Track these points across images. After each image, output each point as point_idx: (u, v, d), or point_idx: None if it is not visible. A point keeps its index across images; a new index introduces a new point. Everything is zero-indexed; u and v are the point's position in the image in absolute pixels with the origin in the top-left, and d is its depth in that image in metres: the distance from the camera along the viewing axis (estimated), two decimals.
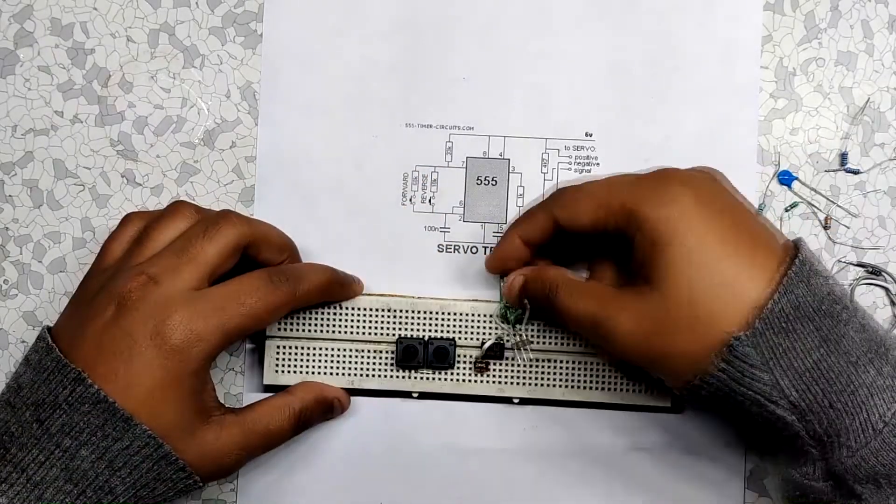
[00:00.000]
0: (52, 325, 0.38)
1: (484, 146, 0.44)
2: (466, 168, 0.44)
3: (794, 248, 0.36)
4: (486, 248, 0.44)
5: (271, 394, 0.41)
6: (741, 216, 0.37)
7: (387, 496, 0.43)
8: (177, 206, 0.40)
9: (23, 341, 0.44)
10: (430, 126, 0.44)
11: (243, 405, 0.41)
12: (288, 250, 0.41)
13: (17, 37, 0.44)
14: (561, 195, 0.39)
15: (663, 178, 0.37)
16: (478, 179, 0.44)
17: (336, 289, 0.42)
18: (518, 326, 0.42)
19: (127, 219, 0.41)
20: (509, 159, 0.44)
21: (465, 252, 0.44)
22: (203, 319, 0.36)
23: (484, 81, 0.44)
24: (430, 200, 0.44)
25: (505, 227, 0.44)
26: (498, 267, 0.42)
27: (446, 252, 0.44)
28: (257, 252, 0.40)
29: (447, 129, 0.44)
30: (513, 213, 0.44)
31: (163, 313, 0.35)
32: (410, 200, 0.44)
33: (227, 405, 0.40)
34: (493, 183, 0.44)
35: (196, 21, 0.45)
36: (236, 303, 0.37)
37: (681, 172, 0.38)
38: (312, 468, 0.43)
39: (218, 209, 0.44)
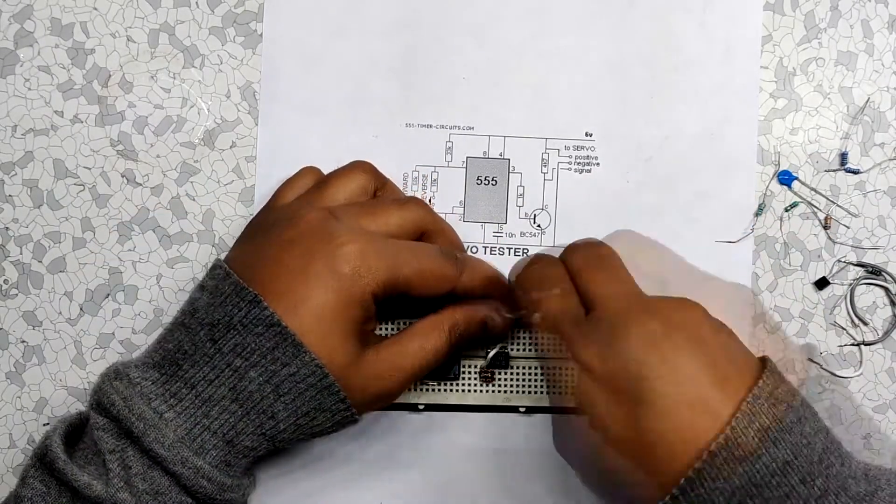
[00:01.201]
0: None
1: (484, 146, 0.44)
2: (466, 168, 0.44)
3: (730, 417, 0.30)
4: (486, 247, 0.44)
5: None
6: (709, 352, 0.32)
7: (387, 496, 0.43)
8: (357, 163, 0.41)
9: (23, 341, 0.44)
10: (430, 126, 0.44)
11: None
12: (461, 250, 0.42)
13: (17, 37, 0.44)
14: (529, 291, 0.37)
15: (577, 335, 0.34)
16: (478, 179, 0.44)
17: (499, 288, 0.41)
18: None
19: (304, 170, 0.42)
20: (509, 159, 0.44)
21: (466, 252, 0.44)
22: (376, 255, 0.36)
23: (484, 81, 0.44)
24: (430, 200, 0.44)
25: (506, 227, 0.44)
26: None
27: None
28: (432, 241, 0.40)
29: (447, 129, 0.44)
30: (513, 213, 0.44)
31: (340, 240, 0.36)
32: None
33: None
34: (493, 183, 0.44)
35: (196, 21, 0.45)
36: (410, 254, 0.37)
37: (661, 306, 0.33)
38: (314, 470, 0.43)
39: (219, 209, 0.44)
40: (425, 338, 0.39)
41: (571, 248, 0.37)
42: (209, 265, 0.40)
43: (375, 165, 0.42)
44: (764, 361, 0.33)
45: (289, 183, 0.42)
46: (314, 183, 0.41)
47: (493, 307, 0.40)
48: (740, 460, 0.29)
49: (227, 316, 0.35)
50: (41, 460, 0.35)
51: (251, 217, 0.42)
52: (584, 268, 0.36)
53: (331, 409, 0.36)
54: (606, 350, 0.32)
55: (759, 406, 0.30)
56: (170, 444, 0.34)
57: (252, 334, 0.35)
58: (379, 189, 0.41)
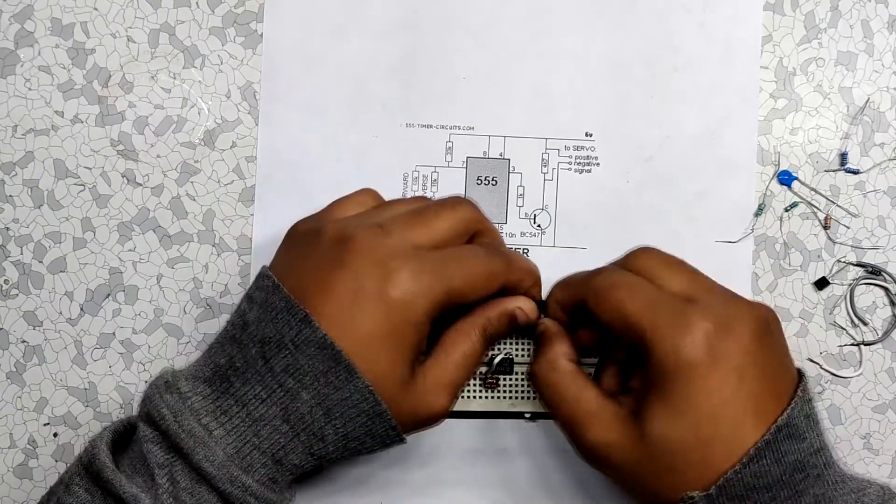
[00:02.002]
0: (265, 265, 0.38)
1: (484, 146, 0.44)
2: (466, 168, 0.44)
3: (787, 401, 0.35)
4: None
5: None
6: (760, 366, 0.35)
7: (387, 496, 0.43)
8: (413, 198, 0.41)
9: (23, 341, 0.44)
10: (430, 126, 0.44)
11: None
12: (503, 246, 0.41)
13: (17, 37, 0.44)
14: (601, 282, 0.37)
15: (688, 312, 0.35)
16: (478, 179, 0.44)
17: (536, 278, 0.41)
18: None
19: (364, 189, 0.41)
20: (509, 159, 0.44)
21: None
22: (428, 275, 0.36)
23: (484, 81, 0.44)
24: None
25: (506, 227, 0.44)
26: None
27: None
28: (481, 240, 0.40)
29: (447, 129, 0.44)
30: (513, 213, 0.44)
31: (391, 264, 0.35)
32: None
33: None
34: (493, 183, 0.44)
35: (196, 21, 0.45)
36: (459, 264, 0.37)
37: (711, 310, 0.35)
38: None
39: (219, 209, 0.44)
40: (464, 344, 0.38)
41: (634, 256, 0.38)
42: (257, 273, 0.38)
43: (376, 166, 0.43)
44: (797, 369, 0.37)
45: (346, 198, 0.40)
46: (373, 202, 0.40)
47: (520, 298, 0.40)
48: (794, 438, 0.34)
49: (279, 334, 0.35)
50: (87, 468, 0.35)
51: (295, 221, 0.40)
52: (657, 267, 0.37)
53: (380, 434, 0.36)
54: (723, 338, 0.34)
55: (804, 397, 0.35)
56: (219, 462, 0.34)
57: (304, 355, 0.35)
58: None
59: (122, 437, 0.37)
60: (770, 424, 0.33)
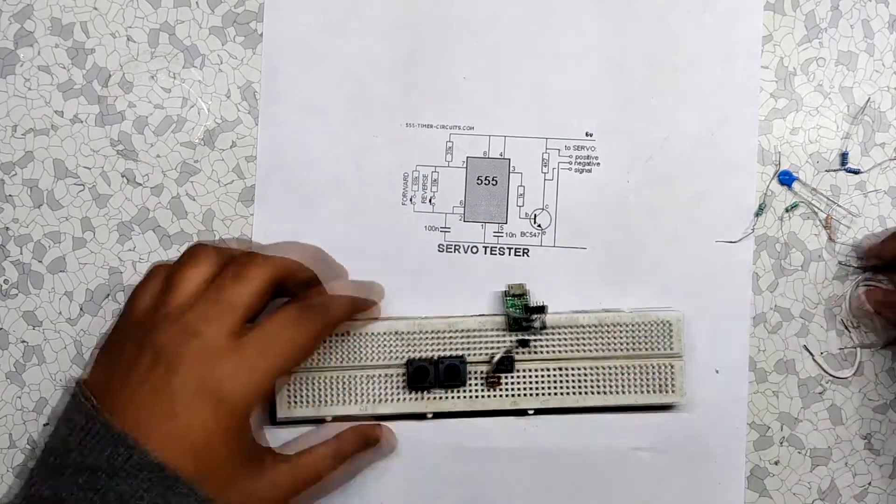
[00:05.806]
0: (82, 378, 0.38)
1: (484, 146, 0.44)
2: (467, 168, 0.44)
3: None
4: (486, 247, 0.44)
5: (311, 428, 0.41)
6: None
7: (386, 496, 0.43)
8: (196, 251, 0.39)
9: (23, 341, 0.44)
10: (430, 126, 0.44)
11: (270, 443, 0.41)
12: (313, 280, 0.41)
13: (17, 36, 0.44)
14: None
15: None
16: (478, 179, 0.44)
17: (360, 304, 0.41)
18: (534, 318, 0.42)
19: (152, 270, 0.40)
20: (509, 159, 0.44)
21: (466, 252, 0.44)
22: (248, 367, 0.36)
23: (484, 81, 0.44)
24: (430, 200, 0.44)
25: (506, 227, 0.44)
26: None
27: (446, 252, 0.44)
28: (285, 287, 0.39)
29: (447, 129, 0.44)
30: (513, 213, 0.44)
31: (207, 365, 0.35)
32: (411, 200, 0.44)
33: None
34: (494, 183, 0.44)
35: (196, 21, 0.45)
36: (276, 342, 0.37)
37: None
38: None
39: (219, 209, 0.44)
40: (322, 464, 0.39)
41: None
42: (71, 390, 0.37)
43: (376, 166, 0.42)
44: None
45: (140, 287, 0.39)
46: (162, 283, 0.38)
47: (384, 428, 0.42)
48: None
49: (108, 461, 0.33)
50: None
51: (130, 292, 0.40)
52: None
53: None
54: None
55: None
56: None
57: (138, 480, 0.33)
58: (228, 263, 0.39)
59: None
60: None
